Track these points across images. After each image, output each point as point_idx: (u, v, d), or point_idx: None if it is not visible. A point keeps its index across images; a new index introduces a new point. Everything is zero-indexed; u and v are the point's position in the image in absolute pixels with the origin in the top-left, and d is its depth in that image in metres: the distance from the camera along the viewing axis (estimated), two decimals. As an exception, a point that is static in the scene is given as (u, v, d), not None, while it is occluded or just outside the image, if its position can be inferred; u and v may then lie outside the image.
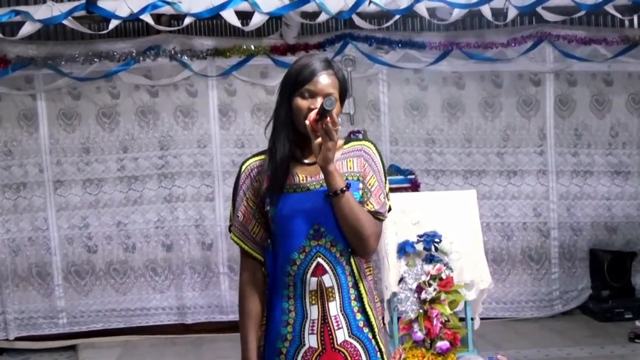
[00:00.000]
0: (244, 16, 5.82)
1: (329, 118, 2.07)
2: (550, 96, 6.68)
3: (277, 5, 5.62)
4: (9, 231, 6.42)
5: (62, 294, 6.48)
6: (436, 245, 4.52)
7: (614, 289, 6.52)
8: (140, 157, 6.52)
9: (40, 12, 5.56)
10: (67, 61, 6.21)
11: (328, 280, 2.18)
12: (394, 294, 4.50)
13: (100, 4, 5.59)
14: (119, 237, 6.54)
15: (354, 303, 2.21)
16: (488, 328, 5.58)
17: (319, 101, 2.14)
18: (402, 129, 6.67)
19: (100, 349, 6.28)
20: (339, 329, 2.19)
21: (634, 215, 6.75)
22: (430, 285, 4.42)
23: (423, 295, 4.40)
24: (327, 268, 2.18)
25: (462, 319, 4.64)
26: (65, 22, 5.59)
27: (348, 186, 2.14)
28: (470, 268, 4.64)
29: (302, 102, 2.17)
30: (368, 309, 2.22)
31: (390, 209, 2.28)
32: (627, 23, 6.69)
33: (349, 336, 2.20)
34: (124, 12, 5.59)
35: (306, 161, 2.23)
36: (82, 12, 5.59)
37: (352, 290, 2.21)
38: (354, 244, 2.19)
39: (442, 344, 4.38)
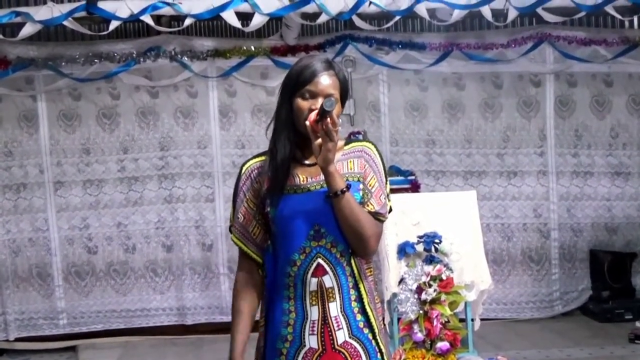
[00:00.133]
0: (244, 17, 5.83)
1: (329, 119, 2.07)
2: (550, 97, 6.68)
3: (277, 6, 5.63)
4: (9, 232, 6.42)
5: (63, 294, 6.49)
6: (436, 246, 4.52)
7: (614, 290, 6.52)
8: (140, 158, 6.52)
9: (41, 13, 5.56)
10: (68, 62, 6.22)
11: (328, 280, 2.18)
12: (394, 295, 4.50)
13: (100, 5, 5.60)
14: (119, 238, 6.55)
15: (354, 304, 2.21)
16: (488, 329, 5.58)
17: (319, 102, 2.14)
18: (403, 129, 6.67)
19: (100, 349, 6.28)
20: (339, 329, 2.19)
21: (634, 216, 6.75)
22: (430, 286, 4.41)
23: (423, 296, 4.40)
24: (328, 269, 2.18)
25: (462, 320, 4.64)
26: (65, 23, 5.59)
27: (348, 187, 2.14)
28: (471, 269, 4.64)
29: (302, 103, 2.17)
30: (368, 310, 2.22)
31: (391, 210, 2.28)
32: (627, 24, 6.69)
33: (349, 337, 2.20)
34: (124, 13, 5.60)
35: (307, 162, 2.23)
36: (83, 13, 5.60)
37: (352, 291, 2.21)
38: (355, 245, 2.19)
39: (442, 344, 4.38)
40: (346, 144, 2.28)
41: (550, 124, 6.69)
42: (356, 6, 5.58)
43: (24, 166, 6.42)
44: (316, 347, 2.18)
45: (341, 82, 2.23)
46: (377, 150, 2.29)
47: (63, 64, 6.21)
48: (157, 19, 5.88)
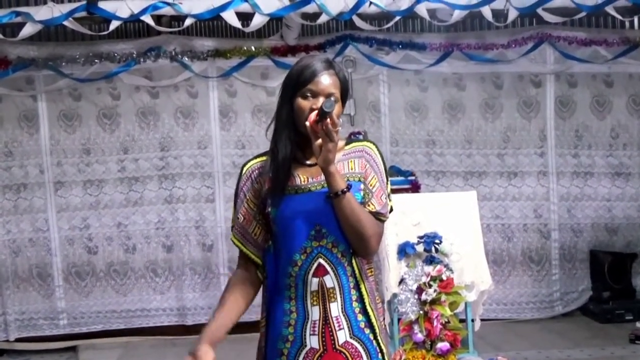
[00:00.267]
0: (245, 17, 5.83)
1: (328, 119, 2.07)
2: (550, 97, 6.68)
3: (277, 6, 5.63)
4: (9, 232, 6.43)
5: (63, 295, 6.49)
6: (436, 246, 4.52)
7: (614, 291, 6.52)
8: (140, 158, 6.53)
9: (41, 13, 5.57)
10: (68, 62, 6.22)
11: (329, 281, 2.18)
12: (394, 295, 4.50)
13: (100, 5, 5.61)
14: (119, 238, 6.55)
15: (355, 304, 2.21)
16: (488, 329, 5.58)
17: (320, 101, 2.14)
18: (403, 130, 6.68)
19: (100, 350, 6.28)
20: (340, 329, 2.19)
21: (635, 216, 6.75)
22: (430, 286, 4.41)
23: (423, 297, 4.40)
24: (329, 269, 2.18)
25: (462, 320, 4.64)
26: (66, 23, 5.60)
27: (349, 187, 2.13)
28: (471, 269, 4.63)
29: (304, 103, 2.17)
30: (369, 310, 2.22)
31: (392, 210, 2.28)
32: (627, 24, 6.70)
33: (350, 337, 2.19)
34: (124, 13, 5.60)
35: (307, 162, 2.23)
36: (83, 13, 5.61)
37: (353, 291, 2.21)
38: (356, 245, 2.19)
39: (443, 345, 4.38)
40: (347, 144, 2.28)
41: (550, 124, 6.69)
42: (356, 6, 5.58)
43: (24, 166, 6.42)
44: (317, 347, 2.18)
45: (341, 81, 2.23)
46: (378, 150, 2.29)
47: (63, 64, 6.21)
48: (158, 19, 5.89)
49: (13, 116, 6.42)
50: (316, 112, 2.11)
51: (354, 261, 2.21)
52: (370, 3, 5.61)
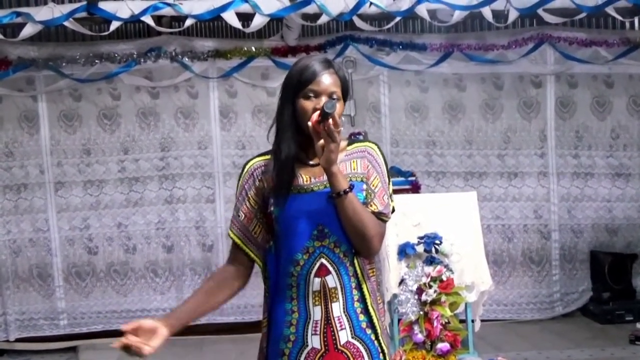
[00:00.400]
0: (245, 18, 5.84)
1: (330, 120, 2.07)
2: (551, 98, 6.68)
3: (277, 6, 5.63)
4: (9, 232, 6.43)
5: (63, 295, 6.49)
6: (437, 247, 4.52)
7: (614, 291, 6.52)
8: (141, 158, 6.53)
9: (42, 14, 5.57)
10: (68, 62, 6.22)
11: (331, 280, 2.19)
12: (395, 296, 4.50)
13: (101, 5, 5.61)
14: (119, 238, 6.55)
15: (357, 304, 2.21)
16: (488, 330, 5.58)
17: (323, 100, 2.15)
18: (403, 130, 6.68)
19: (100, 350, 6.26)
20: (342, 329, 2.19)
21: (635, 217, 6.75)
22: (430, 287, 4.41)
23: (423, 297, 4.40)
24: (331, 269, 2.19)
25: (462, 321, 4.64)
26: (66, 23, 5.60)
27: (351, 187, 2.14)
28: (471, 270, 4.63)
29: (306, 103, 2.18)
30: (371, 310, 2.22)
31: (394, 210, 2.29)
32: (627, 25, 6.70)
33: (352, 337, 2.20)
34: (125, 14, 5.60)
35: (310, 162, 2.23)
36: (83, 14, 5.61)
37: (355, 291, 2.21)
38: (358, 245, 2.19)
39: (443, 345, 4.38)
40: (349, 144, 2.29)
41: (550, 125, 6.69)
42: (357, 7, 5.59)
43: (24, 166, 6.43)
44: (319, 347, 2.19)
45: (342, 80, 2.24)
46: (380, 150, 2.30)
47: (64, 64, 6.21)
48: (158, 19, 5.89)
49: (13, 116, 6.42)
50: (318, 112, 2.11)
51: (356, 261, 2.21)
52: (371, 4, 5.62)
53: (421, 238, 4.55)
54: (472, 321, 4.69)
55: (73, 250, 6.50)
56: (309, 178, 2.22)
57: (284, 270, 2.22)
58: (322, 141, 2.09)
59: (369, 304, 2.22)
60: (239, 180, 2.31)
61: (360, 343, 2.20)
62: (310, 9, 5.64)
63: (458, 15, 5.76)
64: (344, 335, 2.19)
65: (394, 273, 4.53)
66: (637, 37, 6.53)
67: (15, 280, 6.44)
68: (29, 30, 5.56)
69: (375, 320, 2.23)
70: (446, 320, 4.44)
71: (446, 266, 4.49)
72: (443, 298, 4.41)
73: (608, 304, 6.48)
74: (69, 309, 6.50)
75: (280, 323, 2.23)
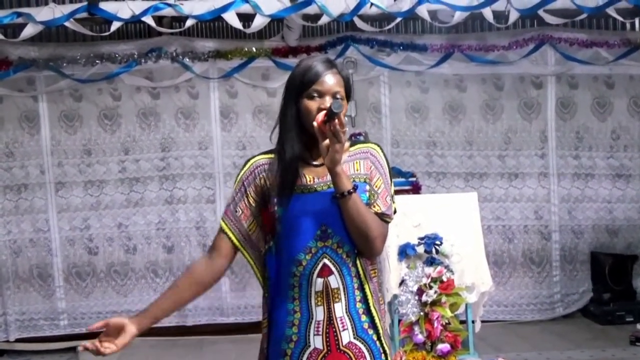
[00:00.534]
0: (246, 18, 5.84)
1: (336, 120, 2.07)
2: (551, 99, 6.68)
3: (278, 7, 5.63)
4: (10, 232, 6.43)
5: (63, 295, 6.49)
6: (437, 247, 4.52)
7: (615, 292, 6.52)
8: (141, 159, 6.53)
9: (42, 14, 5.58)
10: (69, 63, 6.23)
11: (334, 281, 2.19)
12: (395, 297, 4.50)
13: (102, 5, 5.61)
14: (120, 238, 6.55)
15: (359, 305, 2.21)
16: (489, 331, 5.58)
17: (327, 100, 2.15)
18: (404, 131, 6.68)
19: (101, 350, 6.27)
20: (344, 330, 2.19)
21: (635, 218, 6.74)
22: (431, 287, 4.41)
23: (424, 298, 4.40)
24: (333, 269, 2.19)
25: (462, 322, 4.64)
26: (67, 24, 5.60)
27: (355, 188, 2.14)
28: (471, 271, 4.63)
29: (310, 103, 2.17)
30: (373, 311, 2.22)
31: (395, 211, 2.29)
32: (628, 26, 6.71)
33: (354, 337, 2.20)
34: (125, 14, 5.61)
35: (314, 163, 2.23)
36: (84, 14, 5.62)
37: (357, 292, 2.21)
38: (361, 246, 2.19)
39: (443, 346, 4.38)
40: (351, 145, 2.29)
41: (551, 125, 6.69)
42: (357, 8, 5.59)
43: (25, 167, 6.43)
44: (321, 347, 2.19)
45: (345, 80, 2.24)
46: (383, 151, 2.30)
47: (64, 64, 6.22)
48: (159, 20, 5.89)
49: (14, 117, 6.42)
50: (324, 112, 2.11)
51: (358, 262, 2.21)
52: (371, 4, 5.62)
53: (422, 239, 4.55)
54: (473, 322, 4.69)
55: (73, 251, 6.51)
56: (313, 178, 2.22)
57: (285, 271, 2.22)
58: (327, 141, 2.09)
59: (371, 304, 2.22)
60: (239, 174, 2.30)
61: (362, 344, 2.20)
62: (311, 9, 5.64)
63: (459, 16, 5.76)
64: (346, 336, 2.19)
65: (395, 274, 4.53)
66: (637, 38, 6.53)
67: (16, 281, 6.45)
68: (29, 30, 5.57)
69: (377, 321, 2.23)
70: (446, 321, 4.43)
71: (446, 267, 4.49)
72: (443, 299, 4.41)
73: (608, 305, 6.48)
74: (69, 309, 6.50)
75: (281, 323, 2.22)
